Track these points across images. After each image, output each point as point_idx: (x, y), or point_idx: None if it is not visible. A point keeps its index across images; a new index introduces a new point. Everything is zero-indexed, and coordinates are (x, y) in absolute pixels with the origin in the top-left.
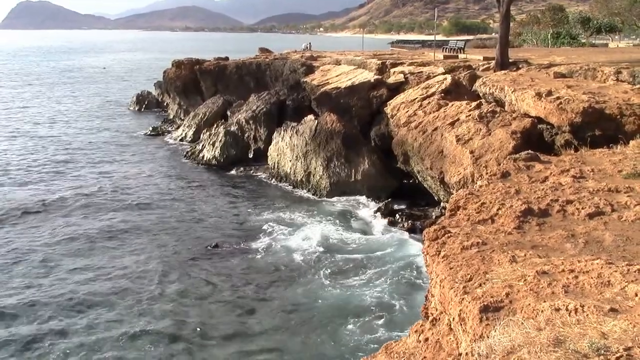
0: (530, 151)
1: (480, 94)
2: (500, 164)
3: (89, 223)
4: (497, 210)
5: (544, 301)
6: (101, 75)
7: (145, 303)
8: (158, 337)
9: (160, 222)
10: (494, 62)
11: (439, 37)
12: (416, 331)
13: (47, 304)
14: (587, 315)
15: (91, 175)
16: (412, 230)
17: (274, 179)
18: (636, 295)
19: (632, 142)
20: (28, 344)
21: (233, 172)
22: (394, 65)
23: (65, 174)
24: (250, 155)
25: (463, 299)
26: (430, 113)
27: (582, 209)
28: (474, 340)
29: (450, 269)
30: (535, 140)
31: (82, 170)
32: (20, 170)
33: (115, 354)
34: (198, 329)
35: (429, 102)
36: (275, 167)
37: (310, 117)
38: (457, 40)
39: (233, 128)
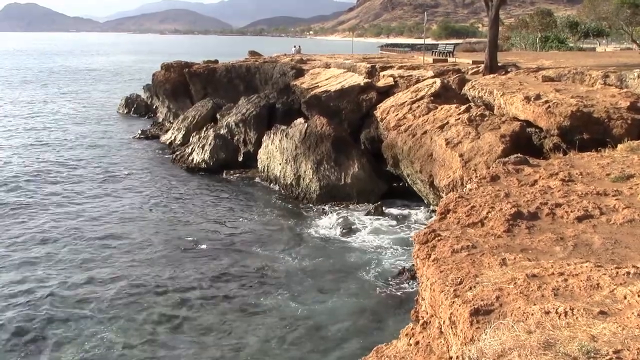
0: (519, 154)
1: (470, 98)
2: (489, 168)
3: (73, 226)
4: (487, 213)
5: (534, 304)
6: (89, 77)
7: (128, 306)
8: (144, 341)
9: (145, 224)
10: (483, 65)
11: (428, 41)
12: (407, 334)
13: (33, 305)
14: (576, 318)
15: (77, 178)
16: (401, 234)
17: (263, 182)
18: (625, 298)
19: (620, 146)
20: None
21: (223, 175)
22: (384, 68)
23: (50, 177)
24: (240, 159)
25: (453, 302)
26: (419, 116)
27: (571, 212)
28: (465, 344)
29: (441, 272)
30: (524, 144)
31: (68, 173)
32: (2, 171)
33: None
34: (183, 332)
35: (419, 106)
36: (265, 170)
37: (300, 120)
38: (447, 44)
39: (223, 131)
